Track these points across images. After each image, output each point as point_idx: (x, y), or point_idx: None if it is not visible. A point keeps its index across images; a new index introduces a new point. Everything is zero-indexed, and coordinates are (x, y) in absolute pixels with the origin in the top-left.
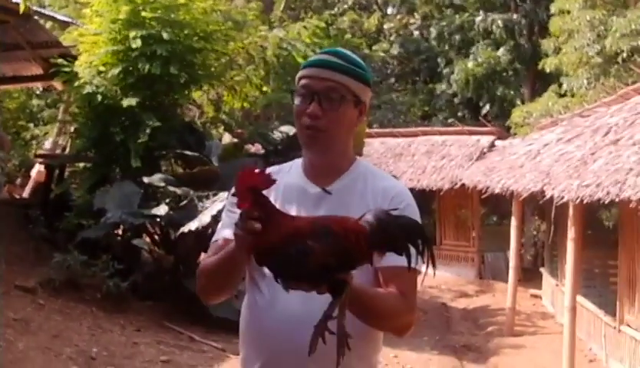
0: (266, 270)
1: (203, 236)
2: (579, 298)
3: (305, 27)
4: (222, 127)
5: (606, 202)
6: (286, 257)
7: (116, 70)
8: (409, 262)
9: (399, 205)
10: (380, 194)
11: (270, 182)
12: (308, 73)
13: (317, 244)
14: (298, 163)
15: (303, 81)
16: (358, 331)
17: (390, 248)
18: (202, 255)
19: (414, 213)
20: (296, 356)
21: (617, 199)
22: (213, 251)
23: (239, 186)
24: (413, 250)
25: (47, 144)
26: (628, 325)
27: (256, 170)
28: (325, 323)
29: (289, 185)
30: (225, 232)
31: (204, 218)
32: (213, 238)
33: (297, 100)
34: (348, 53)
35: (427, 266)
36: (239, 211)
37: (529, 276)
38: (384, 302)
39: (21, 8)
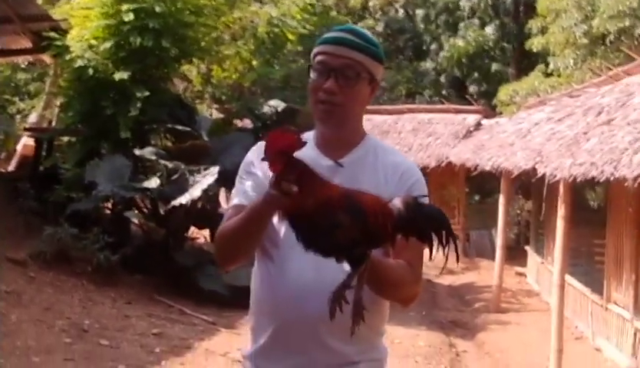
0: (282, 234)
1: (193, 210)
2: (566, 276)
3: (294, 3)
4: (210, 100)
5: (601, 181)
6: (316, 227)
7: (108, 44)
8: (430, 251)
9: (409, 180)
10: (390, 168)
11: (301, 144)
12: (325, 49)
13: (347, 220)
14: (309, 136)
15: (319, 57)
16: (368, 300)
17: (414, 235)
18: (192, 229)
19: (423, 188)
20: (308, 324)
21: (612, 178)
22: (227, 219)
23: (269, 149)
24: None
25: (33, 118)
26: (616, 303)
27: (286, 133)
28: (343, 291)
29: (302, 157)
30: (235, 200)
31: (195, 192)
32: (226, 206)
33: (313, 76)
34: (364, 31)
35: (448, 256)
36: (251, 178)
37: (513, 254)
38: (394, 272)
39: None
